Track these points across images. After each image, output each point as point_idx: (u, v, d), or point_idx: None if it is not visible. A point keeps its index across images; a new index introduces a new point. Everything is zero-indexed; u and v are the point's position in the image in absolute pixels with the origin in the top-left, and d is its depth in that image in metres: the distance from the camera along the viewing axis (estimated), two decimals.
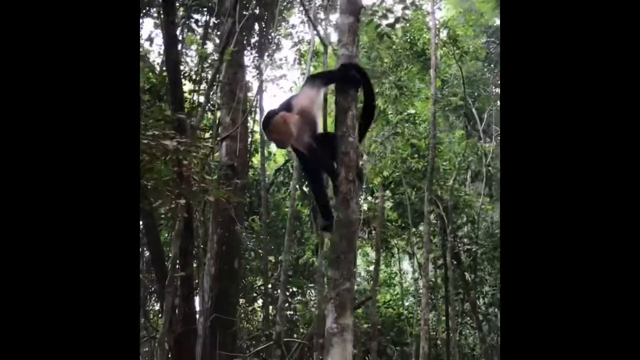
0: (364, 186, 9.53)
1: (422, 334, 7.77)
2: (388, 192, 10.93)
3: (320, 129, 2.93)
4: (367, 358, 9.68)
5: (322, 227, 2.84)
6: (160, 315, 9.23)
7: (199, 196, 4.46)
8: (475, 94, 13.43)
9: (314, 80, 2.93)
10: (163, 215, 9.04)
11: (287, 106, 2.86)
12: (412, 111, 10.04)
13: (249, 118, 9.50)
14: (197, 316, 7.53)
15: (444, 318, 10.87)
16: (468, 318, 11.58)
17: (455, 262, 10.51)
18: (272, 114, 2.86)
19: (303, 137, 2.86)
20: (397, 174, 10.01)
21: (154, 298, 9.88)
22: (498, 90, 15.59)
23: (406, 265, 13.62)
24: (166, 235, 8.92)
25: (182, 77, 6.94)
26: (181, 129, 5.40)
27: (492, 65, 14.63)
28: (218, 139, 8.03)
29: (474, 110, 12.91)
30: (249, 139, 9.63)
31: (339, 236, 2.21)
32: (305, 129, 2.83)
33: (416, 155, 9.76)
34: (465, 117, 13.08)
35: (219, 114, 8.76)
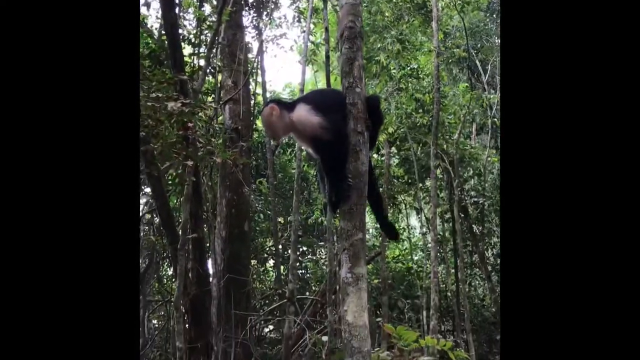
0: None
1: (432, 286, 7.88)
2: (394, 149, 10.91)
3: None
4: (378, 312, 9.85)
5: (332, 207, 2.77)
6: (173, 279, 9.40)
7: (206, 158, 4.46)
8: (478, 45, 13.24)
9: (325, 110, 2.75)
10: (170, 182, 9.11)
11: (292, 103, 2.90)
12: (415, 65, 9.91)
13: (250, 80, 9.42)
14: (211, 278, 7.67)
15: (453, 270, 11.00)
16: (477, 269, 11.73)
17: (462, 215, 10.56)
18: (267, 102, 2.95)
19: (302, 140, 2.92)
20: (402, 129, 9.97)
21: (166, 263, 10.02)
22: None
23: (414, 220, 13.71)
24: (175, 201, 8.98)
25: (181, 40, 6.85)
26: (183, 92, 5.37)
27: (494, 16, 14.35)
28: (221, 102, 8.00)
29: (477, 61, 12.75)
30: (252, 101, 9.57)
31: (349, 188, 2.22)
32: (302, 137, 2.86)
33: (421, 110, 9.70)
34: (468, 69, 12.93)
35: (220, 76, 8.69)
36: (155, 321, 10.68)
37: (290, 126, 2.79)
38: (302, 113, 2.69)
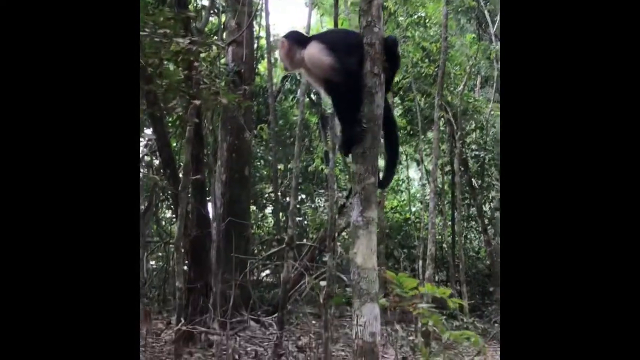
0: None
1: (429, 237, 7.95)
2: (397, 99, 10.79)
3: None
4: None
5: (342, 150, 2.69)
6: (173, 221, 9.46)
7: (210, 100, 4.39)
8: None
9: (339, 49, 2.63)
10: (171, 123, 9.03)
11: (305, 39, 2.80)
12: (423, 13, 9.68)
13: (254, 22, 9.19)
14: (211, 221, 7.72)
15: (450, 223, 11.10)
16: (474, 222, 11.83)
17: (462, 169, 10.56)
18: (287, 34, 2.85)
19: (312, 79, 2.81)
20: (407, 79, 9.82)
21: (165, 205, 10.06)
22: None
23: (413, 172, 13.73)
24: (175, 143, 8.93)
25: None
26: (187, 31, 5.23)
27: None
28: (224, 43, 7.82)
29: (486, 12, 12.43)
30: (255, 45, 9.38)
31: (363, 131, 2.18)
32: (312, 76, 2.77)
33: (427, 60, 9.53)
34: (477, 19, 12.64)
35: (223, 17, 8.47)
36: (153, 262, 10.83)
37: (300, 63, 2.70)
38: (314, 52, 2.59)
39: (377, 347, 2.00)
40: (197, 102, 4.13)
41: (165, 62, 4.17)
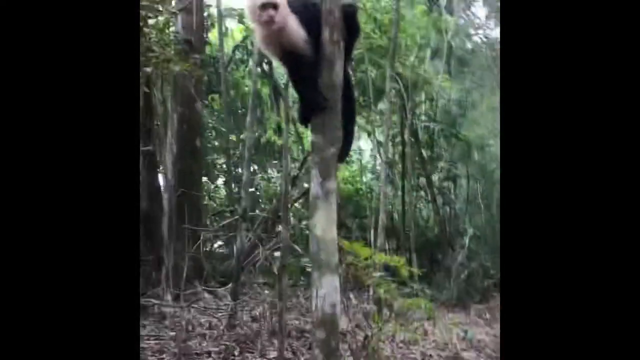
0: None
1: (380, 207, 8.08)
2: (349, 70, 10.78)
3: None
4: None
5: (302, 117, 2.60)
6: None
7: (163, 66, 4.26)
8: None
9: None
10: None
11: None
12: None
13: None
14: (162, 193, 7.58)
15: (400, 193, 11.30)
16: (423, 192, 12.08)
17: (412, 140, 10.72)
18: None
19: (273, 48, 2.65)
20: (359, 50, 9.80)
21: None
22: None
23: (363, 143, 13.83)
24: None
25: None
26: None
27: None
28: (173, 10, 7.56)
29: None
30: (205, 13, 9.12)
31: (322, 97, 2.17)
32: (277, 45, 2.62)
33: (378, 31, 9.53)
34: None
35: None
36: None
37: (274, 32, 2.53)
38: (293, 24, 2.48)
39: (337, 318, 2.03)
40: (148, 69, 4.01)
41: None
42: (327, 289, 2.00)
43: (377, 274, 3.78)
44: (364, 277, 3.82)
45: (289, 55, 2.53)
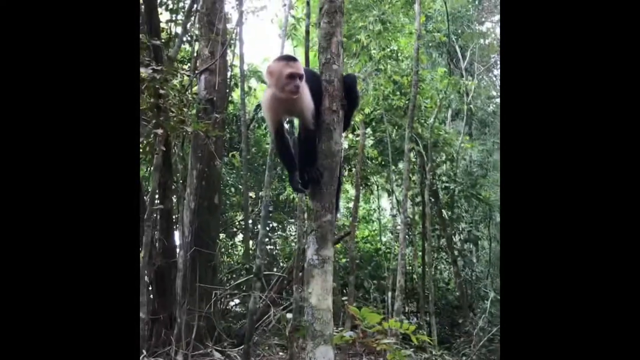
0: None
1: (399, 268, 7.93)
2: (369, 130, 10.88)
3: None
4: (344, 291, 9.91)
5: (294, 188, 2.56)
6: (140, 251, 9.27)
7: (177, 128, 4.35)
8: (459, 30, 13.22)
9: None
10: (141, 150, 8.91)
11: None
12: (395, 47, 9.84)
13: (228, 51, 9.22)
14: (178, 250, 7.58)
15: (420, 253, 11.11)
16: (444, 253, 11.87)
17: (432, 200, 10.63)
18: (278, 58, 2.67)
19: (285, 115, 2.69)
20: (378, 111, 9.93)
21: None
22: (481, 27, 15.36)
23: (385, 202, 13.78)
24: (144, 170, 8.82)
25: (157, 5, 6.65)
26: (158, 59, 5.21)
27: (476, 2, 14.34)
28: (196, 72, 7.81)
29: (457, 47, 12.73)
30: (229, 73, 9.39)
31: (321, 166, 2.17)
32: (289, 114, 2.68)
33: (398, 93, 9.66)
34: (448, 54, 12.92)
35: (197, 46, 8.48)
36: None
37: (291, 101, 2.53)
38: (307, 95, 2.47)
39: None
40: (160, 131, 4.09)
41: None
42: None
43: (387, 340, 3.65)
44: (373, 344, 3.69)
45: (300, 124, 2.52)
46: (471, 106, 11.23)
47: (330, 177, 2.16)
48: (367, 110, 9.70)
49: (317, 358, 1.94)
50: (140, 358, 5.58)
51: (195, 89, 8.13)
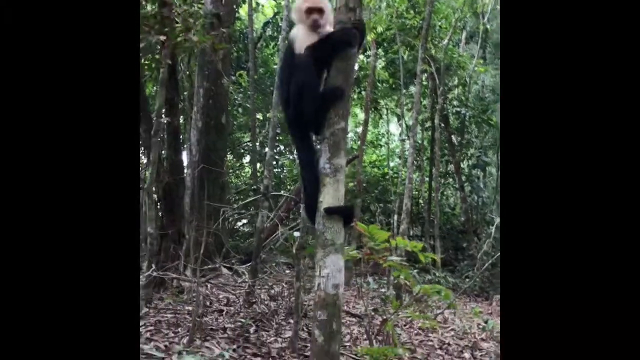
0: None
1: (406, 191, 7.94)
2: (381, 51, 10.56)
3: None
4: None
5: None
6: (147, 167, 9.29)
7: (182, 39, 4.18)
8: None
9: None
10: (147, 67, 8.71)
11: None
12: None
13: None
14: (185, 168, 7.58)
15: (427, 179, 11.11)
16: (451, 179, 11.87)
17: (442, 125, 10.49)
18: None
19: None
20: (391, 30, 9.59)
21: (142, 151, 9.85)
22: None
23: (393, 127, 13.64)
24: (152, 87, 8.67)
25: None
26: None
27: None
28: None
29: None
30: None
31: (335, 71, 2.05)
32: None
33: (412, 11, 9.29)
34: None
35: None
36: None
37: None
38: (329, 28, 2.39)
39: (339, 300, 1.93)
40: (163, 37, 3.93)
41: None
42: (331, 269, 1.90)
43: (394, 258, 3.66)
44: (380, 260, 3.70)
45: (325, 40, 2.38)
46: (487, 26, 10.82)
47: (344, 81, 2.05)
48: (379, 29, 9.37)
49: (328, 266, 1.91)
50: (149, 271, 5.69)
51: (201, 2, 7.83)
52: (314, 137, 2.12)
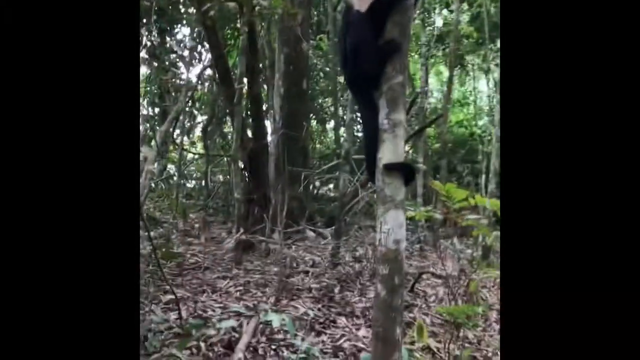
0: None
1: (493, 150, 7.67)
2: (465, 5, 10.10)
3: None
4: (437, 175, 9.82)
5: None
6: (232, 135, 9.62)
7: (250, 1, 4.22)
8: None
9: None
10: (229, 35, 8.92)
11: None
12: None
13: None
14: (269, 135, 7.77)
15: None
16: None
17: (500, 112, 9.93)
18: None
19: None
20: None
21: (228, 119, 10.19)
22: None
23: (482, 84, 13.09)
24: (235, 58, 8.88)
25: None
26: None
27: None
28: None
29: None
30: None
31: (391, 24, 2.00)
32: None
33: None
34: None
35: None
36: (220, 175, 11.20)
37: None
38: None
39: (401, 255, 1.93)
40: (233, 4, 4.00)
41: None
42: (392, 225, 1.89)
43: (472, 216, 3.57)
44: (458, 220, 3.63)
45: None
46: None
47: (401, 33, 2.00)
48: None
49: (388, 222, 1.91)
50: (238, 235, 5.94)
51: None
52: (374, 94, 2.09)
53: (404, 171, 1.94)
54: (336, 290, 4.91)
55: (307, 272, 5.61)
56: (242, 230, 6.06)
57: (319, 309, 4.30)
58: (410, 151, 10.02)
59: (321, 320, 4.02)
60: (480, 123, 11.64)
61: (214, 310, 4.00)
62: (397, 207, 1.89)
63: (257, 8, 4.48)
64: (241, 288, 4.80)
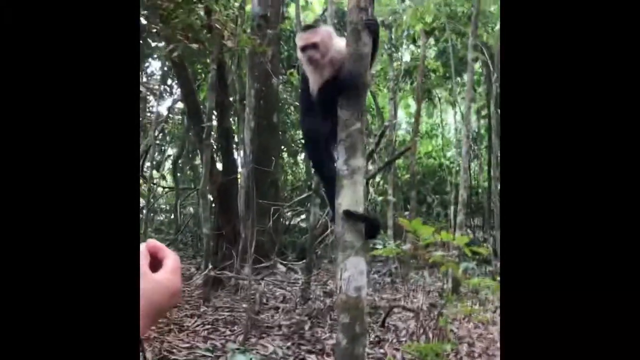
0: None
1: (461, 182, 7.77)
2: (431, 40, 10.37)
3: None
4: (407, 206, 9.90)
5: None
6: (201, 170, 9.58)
7: (218, 42, 4.28)
8: None
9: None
10: (200, 70, 8.96)
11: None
12: None
13: None
14: (239, 168, 7.76)
15: (486, 167, 10.83)
16: None
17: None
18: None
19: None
20: (440, 19, 9.39)
21: (196, 153, 10.16)
22: None
23: (449, 116, 13.38)
24: (204, 91, 8.91)
25: None
26: None
27: None
28: None
29: None
30: None
31: (349, 72, 2.05)
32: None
33: None
34: None
35: None
36: (191, 208, 11.10)
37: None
38: (335, 55, 2.41)
39: (362, 302, 1.93)
40: (195, 45, 4.06)
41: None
42: (352, 272, 1.90)
43: (438, 253, 3.61)
44: (425, 256, 3.67)
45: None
46: None
47: (358, 84, 2.04)
48: (428, 19, 9.19)
49: (348, 269, 1.91)
50: (206, 271, 5.87)
51: (248, 7, 7.96)
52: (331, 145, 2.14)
53: (368, 224, 1.96)
54: (306, 327, 4.88)
55: (277, 309, 5.57)
56: (210, 266, 5.99)
57: (288, 347, 4.26)
58: (381, 182, 10.12)
59: (291, 359, 3.98)
60: (448, 154, 11.84)
61: (180, 351, 3.93)
62: (358, 254, 1.90)
63: (223, 48, 4.53)
64: (209, 326, 4.72)
